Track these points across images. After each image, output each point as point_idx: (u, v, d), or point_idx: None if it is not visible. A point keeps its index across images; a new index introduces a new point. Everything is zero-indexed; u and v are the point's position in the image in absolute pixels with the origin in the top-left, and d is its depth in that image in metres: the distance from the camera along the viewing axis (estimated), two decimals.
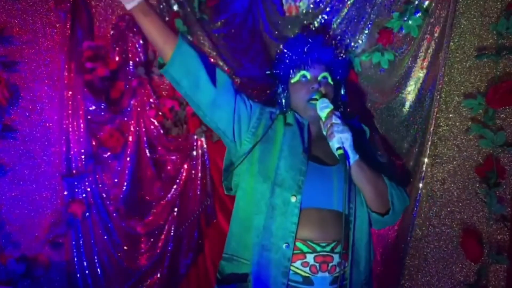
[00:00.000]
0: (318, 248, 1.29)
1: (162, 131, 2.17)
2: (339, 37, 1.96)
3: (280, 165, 1.33)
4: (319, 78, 1.40)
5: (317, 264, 1.28)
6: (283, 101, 1.47)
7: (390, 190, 1.33)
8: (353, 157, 1.26)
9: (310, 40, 1.43)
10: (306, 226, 1.30)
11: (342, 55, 1.50)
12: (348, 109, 1.62)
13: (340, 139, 1.24)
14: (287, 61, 1.43)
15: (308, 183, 1.31)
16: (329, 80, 1.42)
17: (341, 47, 1.96)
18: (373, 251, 1.44)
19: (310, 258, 1.28)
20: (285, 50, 1.45)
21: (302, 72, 1.40)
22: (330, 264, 1.28)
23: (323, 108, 1.31)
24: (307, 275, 1.28)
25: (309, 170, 1.32)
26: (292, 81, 1.43)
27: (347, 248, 1.30)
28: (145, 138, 2.20)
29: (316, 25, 1.98)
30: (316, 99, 1.35)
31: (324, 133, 1.29)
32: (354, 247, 1.32)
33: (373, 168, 1.33)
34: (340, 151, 1.23)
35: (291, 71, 1.43)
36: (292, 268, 1.28)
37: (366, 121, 1.76)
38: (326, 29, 1.97)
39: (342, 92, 1.52)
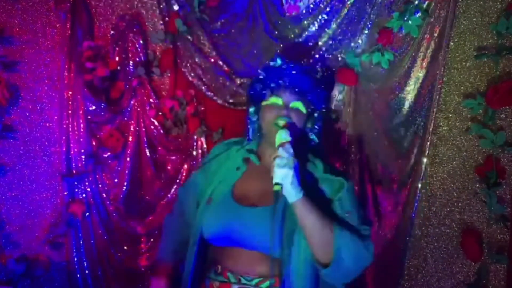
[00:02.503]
0: (243, 280, 1.29)
1: (162, 131, 2.17)
2: (339, 37, 1.96)
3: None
4: (291, 105, 1.34)
5: None
6: (253, 124, 1.45)
7: (337, 242, 1.19)
8: (295, 195, 1.17)
9: (290, 65, 1.38)
10: (233, 258, 1.30)
11: (322, 87, 1.40)
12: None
13: (279, 175, 1.15)
14: (263, 84, 1.40)
15: (235, 226, 1.28)
16: (301, 109, 1.35)
17: (339, 48, 1.96)
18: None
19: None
20: (263, 72, 1.41)
21: (275, 97, 1.35)
22: None
23: (279, 139, 1.24)
24: None
25: (240, 213, 1.30)
26: (264, 103, 1.38)
27: (278, 284, 1.26)
28: (145, 138, 2.20)
29: (316, 25, 1.98)
30: (279, 126, 1.29)
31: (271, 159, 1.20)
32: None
33: (325, 215, 1.22)
34: (277, 187, 1.15)
35: (265, 94, 1.39)
36: None
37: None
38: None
39: (317, 126, 1.43)
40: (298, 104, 1.34)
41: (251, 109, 1.45)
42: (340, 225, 1.22)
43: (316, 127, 1.42)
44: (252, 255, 1.28)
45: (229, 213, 1.31)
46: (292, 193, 1.17)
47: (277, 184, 1.15)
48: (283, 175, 1.15)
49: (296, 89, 1.35)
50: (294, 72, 1.37)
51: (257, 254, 1.27)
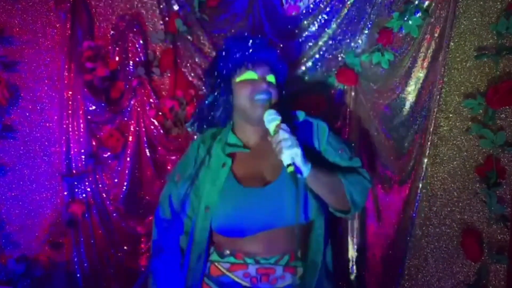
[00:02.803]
0: (262, 261, 1.29)
1: (162, 131, 2.17)
2: (339, 37, 1.96)
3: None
4: (268, 78, 1.34)
5: (259, 276, 1.28)
6: (221, 106, 1.39)
7: (348, 188, 1.29)
8: (306, 170, 1.20)
9: (256, 40, 1.37)
10: (252, 244, 1.29)
11: (283, 59, 1.43)
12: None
13: (289, 156, 1.17)
14: (232, 58, 1.35)
15: (245, 210, 1.28)
16: (274, 82, 1.36)
17: (339, 48, 1.96)
18: (331, 262, 1.40)
19: (252, 269, 1.29)
20: (229, 47, 1.37)
21: (249, 71, 1.33)
22: (272, 276, 1.28)
23: (270, 121, 1.24)
24: (247, 285, 1.29)
25: (247, 196, 1.29)
26: (238, 79, 1.34)
27: (294, 259, 1.31)
28: (145, 138, 2.20)
29: (316, 25, 1.98)
30: (261, 101, 1.29)
31: (274, 148, 1.21)
32: (308, 258, 1.30)
33: (327, 169, 1.29)
34: (291, 169, 1.16)
35: (236, 69, 1.35)
36: (233, 277, 1.30)
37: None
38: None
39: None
40: (272, 78, 1.36)
41: (220, 89, 1.38)
42: (341, 172, 1.31)
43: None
44: (272, 234, 1.28)
45: (245, 202, 1.29)
46: (304, 169, 1.20)
47: (289, 165, 1.17)
48: (294, 154, 1.17)
49: (269, 62, 1.36)
50: (264, 45, 1.37)
51: (276, 232, 1.27)
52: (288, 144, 1.17)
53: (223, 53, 1.38)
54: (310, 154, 1.28)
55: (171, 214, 1.46)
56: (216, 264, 1.34)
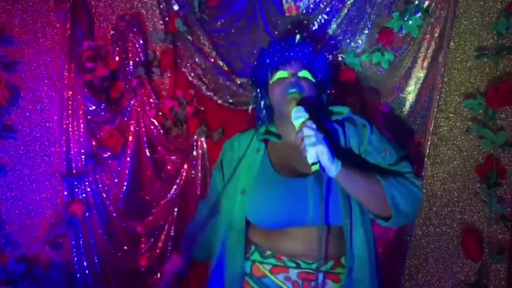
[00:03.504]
0: (303, 265, 1.26)
1: (162, 131, 2.17)
2: (339, 37, 1.96)
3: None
4: (299, 74, 1.33)
5: (300, 281, 1.26)
6: (263, 109, 1.42)
7: (389, 192, 1.20)
8: (334, 169, 1.15)
9: (286, 40, 1.39)
10: (288, 243, 1.27)
11: (326, 54, 1.43)
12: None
13: (314, 154, 1.14)
14: (264, 64, 1.38)
15: (282, 202, 1.25)
16: (310, 77, 1.34)
17: (339, 48, 1.96)
18: (377, 269, 1.34)
19: (293, 273, 1.26)
20: (261, 55, 1.40)
21: (280, 71, 1.34)
22: (313, 282, 1.25)
23: (297, 118, 1.22)
24: None
25: (277, 183, 1.28)
26: (271, 81, 1.36)
27: (338, 266, 1.28)
28: (145, 138, 2.20)
29: (316, 25, 1.98)
30: (292, 95, 1.28)
31: (298, 145, 1.18)
32: (352, 266, 1.25)
33: (366, 169, 1.24)
34: (315, 167, 1.13)
35: (269, 73, 1.37)
36: (275, 280, 1.28)
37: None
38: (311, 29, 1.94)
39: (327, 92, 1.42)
40: (306, 73, 1.33)
41: (258, 94, 1.43)
42: (382, 174, 1.23)
43: (326, 96, 1.41)
44: (309, 234, 1.24)
45: (279, 190, 1.27)
46: (332, 168, 1.16)
47: (314, 164, 1.13)
48: (317, 153, 1.14)
49: (300, 59, 1.34)
50: (293, 42, 1.37)
51: (313, 232, 1.23)
52: (312, 141, 1.14)
53: (258, 59, 1.41)
54: (348, 154, 1.26)
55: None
56: (258, 264, 1.31)
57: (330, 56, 1.97)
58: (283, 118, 1.35)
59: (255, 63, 1.44)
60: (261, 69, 1.40)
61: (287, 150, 1.35)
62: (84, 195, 2.22)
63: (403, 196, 1.22)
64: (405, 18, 1.84)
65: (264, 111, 1.43)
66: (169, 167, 2.22)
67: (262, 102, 1.42)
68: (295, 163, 1.32)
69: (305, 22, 2.00)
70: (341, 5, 1.95)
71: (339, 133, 1.32)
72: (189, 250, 1.51)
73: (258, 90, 1.43)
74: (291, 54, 1.35)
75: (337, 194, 1.24)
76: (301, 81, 1.31)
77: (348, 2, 1.93)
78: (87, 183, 2.22)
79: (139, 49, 2.17)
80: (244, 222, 1.33)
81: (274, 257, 1.29)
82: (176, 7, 2.11)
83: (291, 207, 1.24)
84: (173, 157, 2.20)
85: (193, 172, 2.16)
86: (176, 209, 2.19)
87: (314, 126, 1.17)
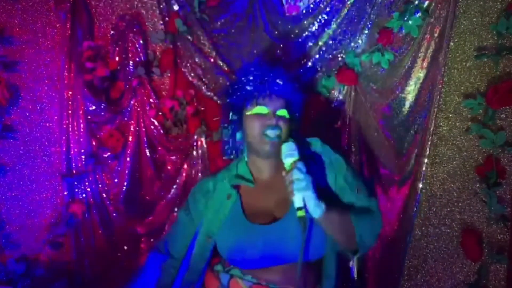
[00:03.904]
0: None
1: (162, 131, 2.17)
2: (339, 37, 1.96)
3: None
4: (277, 113, 1.29)
5: None
6: (235, 141, 1.38)
7: (359, 232, 1.26)
8: (318, 212, 1.17)
9: (270, 71, 1.32)
10: (269, 274, 1.28)
11: (300, 92, 1.35)
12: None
13: (301, 199, 1.14)
14: (244, 90, 1.31)
15: (249, 246, 1.26)
16: (287, 116, 1.30)
17: (339, 48, 1.96)
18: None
19: None
20: (242, 78, 1.33)
21: (260, 106, 1.28)
22: None
23: (288, 156, 1.20)
24: None
25: (252, 232, 1.27)
26: (248, 113, 1.31)
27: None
28: (145, 138, 2.20)
29: (316, 25, 1.98)
30: (270, 137, 1.26)
31: (286, 185, 1.18)
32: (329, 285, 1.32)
33: (339, 207, 1.26)
34: (301, 213, 1.14)
35: (248, 103, 1.31)
36: None
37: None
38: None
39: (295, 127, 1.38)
40: (284, 112, 1.30)
41: (232, 119, 1.36)
42: (354, 212, 1.28)
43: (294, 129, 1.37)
44: (288, 268, 1.26)
45: (249, 237, 1.27)
46: (317, 211, 1.17)
47: (299, 209, 1.14)
48: (306, 197, 1.15)
49: (281, 97, 1.30)
50: (277, 79, 1.31)
51: (290, 266, 1.24)
52: (301, 186, 1.14)
53: (236, 85, 1.35)
54: (325, 190, 1.27)
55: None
56: (237, 279, 1.31)
57: (330, 55, 1.97)
58: (256, 155, 1.33)
59: (233, 83, 1.38)
60: (238, 95, 1.33)
61: (261, 192, 1.33)
62: (84, 195, 2.22)
63: (370, 233, 1.30)
64: (405, 18, 1.84)
65: (236, 144, 1.39)
66: (169, 167, 2.22)
67: (237, 134, 1.37)
68: (270, 206, 1.30)
69: (305, 22, 2.00)
70: (341, 5, 1.94)
71: (315, 167, 1.31)
72: None
73: (233, 116, 1.36)
74: (276, 88, 1.30)
75: (319, 231, 1.25)
76: (280, 121, 1.28)
77: (348, 2, 1.93)
78: (87, 183, 2.22)
79: (139, 49, 2.17)
80: (203, 267, 1.35)
81: (256, 278, 1.29)
82: (176, 7, 2.11)
83: (271, 251, 1.25)
84: (173, 157, 2.20)
85: (193, 172, 2.16)
86: (176, 209, 2.19)
87: (304, 169, 1.18)
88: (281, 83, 1.31)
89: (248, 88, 1.31)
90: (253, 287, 1.28)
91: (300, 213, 1.14)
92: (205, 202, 1.38)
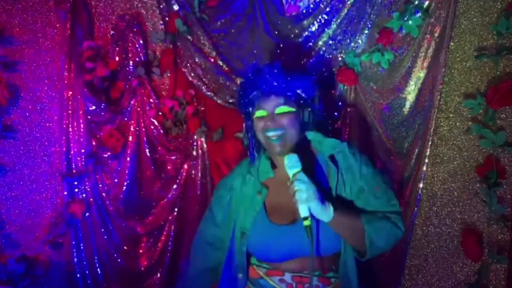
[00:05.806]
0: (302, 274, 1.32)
1: (162, 131, 2.17)
2: (339, 37, 1.96)
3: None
4: (276, 112, 1.30)
5: (294, 283, 1.31)
6: (252, 138, 1.42)
7: (369, 237, 1.27)
8: (327, 217, 1.21)
9: (267, 72, 1.32)
10: (286, 265, 1.32)
11: (301, 76, 1.34)
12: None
13: (306, 208, 1.19)
14: (247, 97, 1.36)
15: (271, 245, 1.30)
16: (289, 109, 1.31)
17: (339, 48, 1.96)
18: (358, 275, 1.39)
19: (288, 277, 1.31)
20: (244, 86, 1.38)
21: (260, 110, 1.32)
22: (306, 285, 1.30)
23: (290, 167, 1.24)
24: None
25: (273, 232, 1.31)
26: (254, 117, 1.36)
27: (328, 272, 1.34)
28: (145, 138, 2.21)
29: (316, 25, 1.98)
30: (269, 139, 1.30)
31: (291, 195, 1.22)
32: (342, 272, 1.34)
33: (351, 210, 1.30)
34: (306, 223, 1.17)
35: (250, 108, 1.36)
36: (270, 282, 1.33)
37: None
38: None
39: (314, 108, 1.39)
40: (283, 108, 1.31)
41: (247, 124, 1.43)
42: (367, 216, 1.29)
43: (312, 118, 1.38)
44: (303, 258, 1.30)
45: (270, 237, 1.31)
46: (325, 216, 1.21)
47: (305, 218, 1.17)
48: (309, 207, 1.19)
49: (275, 92, 1.31)
50: (275, 76, 1.32)
51: (308, 259, 1.27)
52: (304, 198, 1.18)
53: (240, 92, 1.40)
54: (338, 194, 1.31)
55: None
56: (255, 267, 1.38)
57: (330, 55, 1.97)
58: (272, 153, 1.39)
59: (238, 90, 1.44)
60: (243, 101, 1.38)
61: (282, 190, 1.33)
62: (84, 195, 2.22)
63: (382, 238, 1.29)
64: (405, 18, 1.84)
65: (252, 142, 1.43)
66: (169, 167, 2.22)
67: (250, 134, 1.42)
68: (290, 205, 1.29)
69: (305, 22, 2.00)
70: (341, 5, 1.94)
71: (331, 171, 1.34)
72: None
73: (246, 122, 1.43)
74: (272, 88, 1.31)
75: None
76: (281, 120, 1.30)
77: (348, 2, 1.93)
78: (87, 183, 2.22)
79: (139, 49, 2.18)
80: (245, 260, 1.38)
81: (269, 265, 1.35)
82: (176, 7, 2.11)
83: (287, 249, 1.29)
84: (173, 157, 2.20)
85: (193, 172, 2.16)
86: (176, 209, 2.19)
87: (306, 179, 1.21)
88: (275, 83, 1.31)
89: (248, 93, 1.36)
90: (268, 272, 1.34)
91: (306, 223, 1.18)
92: (229, 198, 1.43)
